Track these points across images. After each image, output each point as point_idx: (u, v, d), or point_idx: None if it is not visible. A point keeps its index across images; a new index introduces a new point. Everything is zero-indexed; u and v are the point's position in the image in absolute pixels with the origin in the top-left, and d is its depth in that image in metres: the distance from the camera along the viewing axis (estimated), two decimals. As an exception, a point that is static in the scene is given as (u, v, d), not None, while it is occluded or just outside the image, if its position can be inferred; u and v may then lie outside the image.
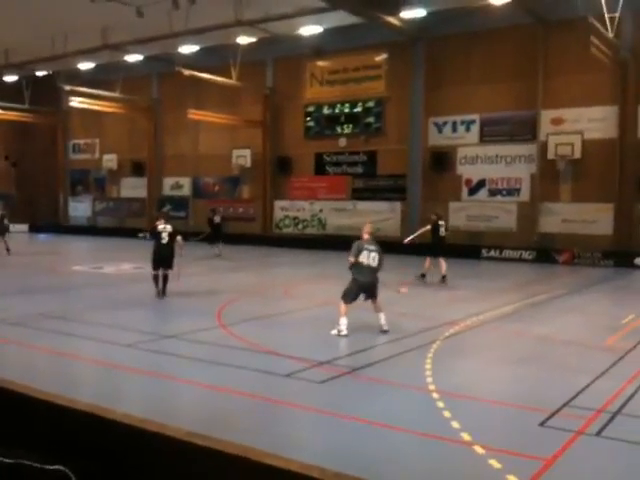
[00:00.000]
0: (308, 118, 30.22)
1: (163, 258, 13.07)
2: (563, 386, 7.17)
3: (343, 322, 9.60)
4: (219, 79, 28.56)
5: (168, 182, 35.22)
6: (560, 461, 5.07)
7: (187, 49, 27.69)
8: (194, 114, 29.06)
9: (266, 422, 5.95)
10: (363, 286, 9.80)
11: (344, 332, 9.52)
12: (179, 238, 13.23)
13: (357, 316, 10.13)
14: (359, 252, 9.80)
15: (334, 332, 9.60)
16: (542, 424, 5.87)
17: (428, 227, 17.18)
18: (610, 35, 20.52)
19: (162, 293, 13.14)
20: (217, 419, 6.05)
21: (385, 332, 9.81)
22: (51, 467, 2.21)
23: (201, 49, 28.05)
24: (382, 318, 9.92)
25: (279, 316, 11.77)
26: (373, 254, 9.84)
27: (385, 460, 5.06)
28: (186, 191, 34.55)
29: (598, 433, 5.71)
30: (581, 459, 5.21)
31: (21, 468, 2.18)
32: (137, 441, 2.81)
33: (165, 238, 13.06)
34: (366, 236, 10.14)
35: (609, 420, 6.05)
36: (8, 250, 21.83)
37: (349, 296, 9.76)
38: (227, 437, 2.69)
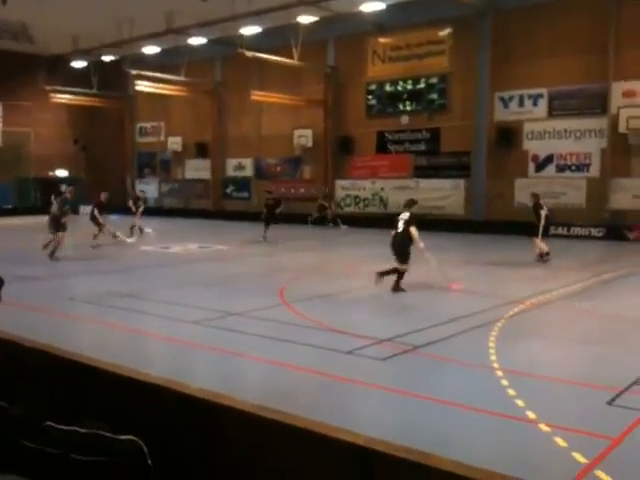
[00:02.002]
0: (370, 96, 29.97)
1: None
2: (632, 365, 6.98)
3: None
4: (281, 60, 28.62)
5: (231, 163, 35.67)
6: (628, 440, 4.97)
7: (249, 31, 27.82)
8: (256, 95, 29.26)
9: (331, 398, 6.04)
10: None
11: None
12: None
13: (428, 294, 10.09)
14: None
15: None
16: (610, 403, 5.75)
17: (541, 213, 16.84)
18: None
19: None
20: (282, 395, 6.18)
21: None
22: (124, 437, 2.32)
23: (263, 30, 28.14)
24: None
25: (340, 294, 11.83)
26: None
27: (450, 437, 5.07)
28: (248, 172, 34.94)
29: (669, 413, 5.56)
30: (651, 439, 5.09)
31: (95, 438, 2.29)
32: (208, 414, 2.92)
33: None
34: None
35: (681, 400, 5.87)
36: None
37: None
38: (294, 412, 2.76)
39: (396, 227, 12.05)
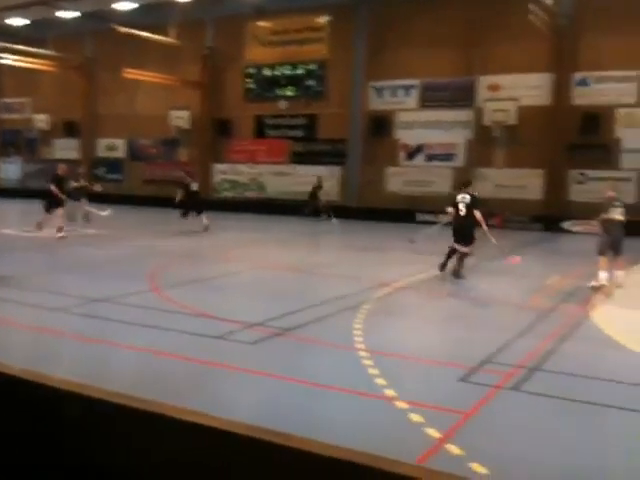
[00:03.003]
0: (248, 80, 29.83)
1: None
2: (486, 344, 7.45)
3: None
4: (156, 37, 27.75)
5: (102, 143, 34.28)
6: (478, 414, 5.33)
7: (123, 6, 26.76)
8: (130, 73, 28.18)
9: (199, 384, 6.01)
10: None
11: None
12: None
13: (302, 278, 10.23)
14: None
15: None
16: (463, 379, 6.12)
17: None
18: (548, 2, 20.90)
19: None
20: (150, 382, 6.06)
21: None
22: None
23: (139, 7, 27.18)
24: None
25: (214, 279, 11.76)
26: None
27: (311, 417, 5.20)
28: (121, 153, 33.72)
29: (515, 387, 6.00)
30: (498, 412, 5.47)
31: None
32: (74, 405, 2.83)
33: None
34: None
35: (527, 375, 6.36)
36: None
37: None
38: (161, 399, 2.73)
39: (457, 210, 11.91)
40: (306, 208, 24.82)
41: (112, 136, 33.68)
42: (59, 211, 16.53)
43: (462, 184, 12.65)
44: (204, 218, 19.14)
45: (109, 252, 14.95)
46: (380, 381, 5.95)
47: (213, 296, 10.17)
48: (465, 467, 4.24)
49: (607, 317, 9.28)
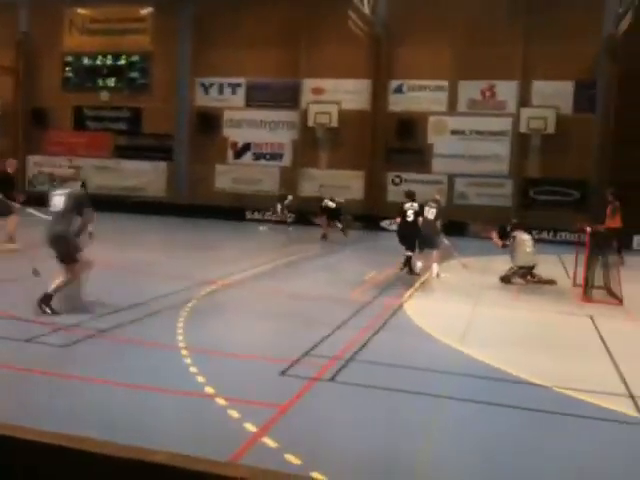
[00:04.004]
0: (67, 68, 28.22)
1: None
2: (306, 337, 7.69)
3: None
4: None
5: None
6: (295, 406, 5.48)
7: None
8: None
9: (5, 391, 5.59)
10: None
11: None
12: None
13: (119, 277, 9.83)
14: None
15: None
16: (282, 374, 6.26)
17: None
18: (366, 11, 21.95)
19: None
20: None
21: None
22: None
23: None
24: None
25: (21, 280, 10.95)
26: None
27: (132, 419, 5.04)
28: None
29: (332, 378, 6.25)
30: (313, 403, 5.67)
31: None
32: None
33: None
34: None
35: (343, 366, 6.65)
36: None
37: None
38: None
39: (404, 217, 13.18)
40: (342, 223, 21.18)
41: None
42: None
43: (408, 195, 13.75)
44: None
45: None
46: (201, 379, 5.91)
47: (22, 296, 9.47)
48: (280, 459, 4.35)
49: (419, 309, 9.96)
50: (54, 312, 8.05)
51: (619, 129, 22.01)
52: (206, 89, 26.55)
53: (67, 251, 8.24)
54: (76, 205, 8.23)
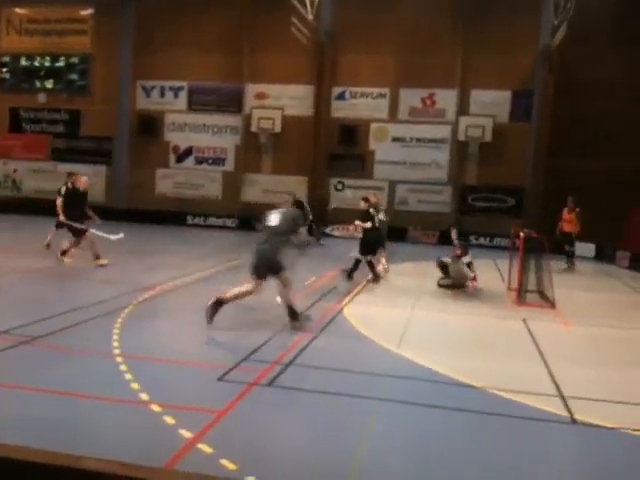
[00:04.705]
0: (4, 69, 27.45)
1: None
2: (245, 343, 7.66)
3: None
4: None
5: None
6: (232, 411, 5.45)
7: None
8: None
9: None
10: None
11: None
12: None
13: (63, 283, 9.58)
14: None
15: None
16: (219, 379, 6.23)
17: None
18: (310, 17, 22.07)
19: None
20: None
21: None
22: None
23: None
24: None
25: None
26: None
27: (63, 427, 4.92)
28: None
29: (270, 383, 6.25)
30: (250, 408, 5.63)
31: None
32: None
33: None
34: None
35: (281, 371, 6.65)
36: None
37: None
38: None
39: (374, 223, 13.26)
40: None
41: None
42: None
43: (367, 200, 13.77)
44: None
45: None
46: (135, 386, 5.82)
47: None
48: (215, 464, 4.33)
49: (358, 314, 10.06)
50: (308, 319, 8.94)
51: (553, 138, 22.77)
52: (147, 92, 26.18)
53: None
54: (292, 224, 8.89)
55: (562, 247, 17.02)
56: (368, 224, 13.29)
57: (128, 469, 2.24)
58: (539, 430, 5.56)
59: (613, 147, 21.74)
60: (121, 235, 13.94)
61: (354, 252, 13.39)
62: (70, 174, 14.16)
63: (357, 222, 13.53)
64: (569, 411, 5.91)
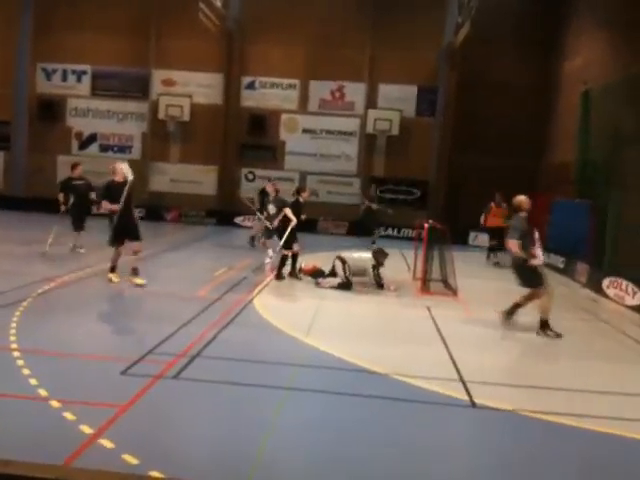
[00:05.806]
0: None
1: None
2: (150, 336, 7.49)
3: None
4: None
5: None
6: (135, 405, 5.32)
7: None
8: None
9: None
10: None
11: None
12: None
13: None
14: None
15: None
16: (123, 373, 6.06)
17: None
18: (218, 4, 21.72)
19: None
20: None
21: None
22: None
23: None
24: None
25: None
26: None
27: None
28: None
29: (176, 376, 6.14)
30: (155, 401, 5.52)
31: None
32: None
33: None
34: None
35: (188, 363, 6.56)
36: None
37: None
38: None
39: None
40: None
41: None
42: None
43: (297, 190, 13.60)
44: None
45: None
46: (34, 381, 5.59)
47: None
48: (116, 459, 4.22)
49: (268, 305, 10.05)
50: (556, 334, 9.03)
51: (456, 134, 23.53)
52: (48, 75, 25.00)
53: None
54: None
55: (493, 240, 17.28)
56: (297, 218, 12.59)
57: (28, 468, 2.14)
58: (443, 415, 5.77)
59: (513, 144, 22.72)
60: None
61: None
62: None
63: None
64: (469, 395, 6.15)
